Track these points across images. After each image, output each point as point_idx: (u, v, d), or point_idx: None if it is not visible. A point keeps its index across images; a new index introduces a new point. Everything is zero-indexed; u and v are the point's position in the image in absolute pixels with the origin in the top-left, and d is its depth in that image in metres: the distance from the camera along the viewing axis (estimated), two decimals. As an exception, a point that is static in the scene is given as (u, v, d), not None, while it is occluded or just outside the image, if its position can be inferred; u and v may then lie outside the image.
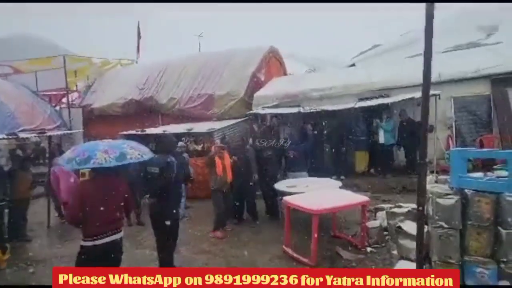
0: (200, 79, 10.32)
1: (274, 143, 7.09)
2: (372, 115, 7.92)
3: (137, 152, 2.89)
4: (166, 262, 3.83)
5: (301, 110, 7.78)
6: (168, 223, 3.75)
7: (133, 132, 8.52)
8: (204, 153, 7.33)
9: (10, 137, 5.93)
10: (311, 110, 7.66)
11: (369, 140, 7.95)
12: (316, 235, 4.02)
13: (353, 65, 14.80)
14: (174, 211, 3.88)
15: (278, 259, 4.37)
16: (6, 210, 5.27)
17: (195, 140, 8.17)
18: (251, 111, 8.46)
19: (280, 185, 5.74)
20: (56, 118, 9.42)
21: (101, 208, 2.74)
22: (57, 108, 10.15)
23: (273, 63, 11.03)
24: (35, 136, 7.50)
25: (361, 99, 7.72)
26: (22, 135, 6.22)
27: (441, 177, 3.26)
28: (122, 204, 2.96)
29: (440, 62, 6.76)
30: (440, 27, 4.74)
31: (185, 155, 6.38)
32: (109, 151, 2.78)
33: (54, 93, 11.02)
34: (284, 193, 5.18)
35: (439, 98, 6.37)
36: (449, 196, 2.74)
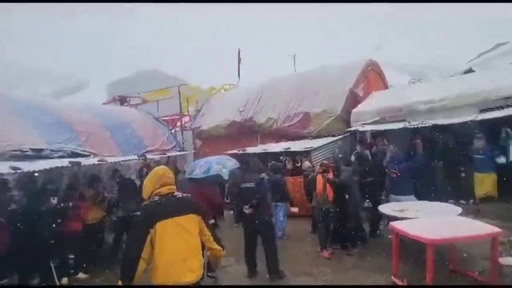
0: (296, 98, 10.51)
1: (376, 162, 6.67)
2: (497, 129, 6.71)
3: (220, 166, 4.02)
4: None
5: (407, 125, 7.13)
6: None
7: (235, 151, 9.14)
8: (302, 172, 7.35)
9: (141, 158, 7.00)
10: (420, 125, 6.94)
11: (494, 158, 6.73)
12: (431, 269, 3.55)
13: (470, 70, 12.92)
14: (267, 218, 4.79)
15: (386, 290, 4.01)
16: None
17: (293, 158, 8.27)
18: (349, 128, 8.16)
19: (385, 208, 5.32)
20: (172, 140, 10.90)
21: None
22: (173, 131, 11.65)
23: (372, 76, 10.49)
24: (159, 156, 8.72)
25: (483, 110, 6.65)
26: (148, 156, 7.26)
27: None
28: None
29: None
30: None
31: (278, 175, 6.53)
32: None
33: (171, 118, 12.72)
34: (391, 218, 4.77)
35: None
36: None
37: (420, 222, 4.23)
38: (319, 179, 5.35)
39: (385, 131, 7.62)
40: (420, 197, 6.14)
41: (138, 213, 5.81)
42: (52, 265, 4.64)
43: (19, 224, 4.30)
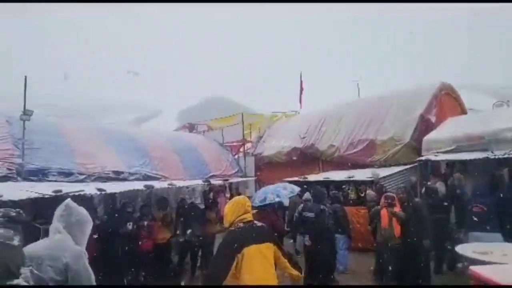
0: (360, 125, 10.14)
1: (450, 195, 6.01)
2: None
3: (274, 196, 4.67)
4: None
5: (491, 155, 6.34)
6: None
7: (296, 178, 9.06)
8: (365, 202, 6.94)
9: (205, 183, 7.35)
10: (507, 155, 6.12)
11: None
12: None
13: None
14: (327, 252, 4.61)
15: None
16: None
17: (356, 187, 7.89)
18: (421, 157, 7.54)
19: (464, 249, 4.69)
20: (235, 165, 11.26)
21: None
22: (236, 157, 12.06)
23: (446, 101, 9.68)
24: (222, 181, 9.05)
25: None
26: (213, 181, 7.58)
27: None
28: None
29: None
30: None
31: (337, 205, 6.22)
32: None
33: (234, 144, 13.22)
34: (472, 261, 4.18)
35: None
36: None
37: (510, 269, 3.63)
38: (384, 213, 4.99)
39: (463, 161, 6.87)
40: (507, 237, 5.31)
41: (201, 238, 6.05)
42: (125, 280, 5.04)
43: (100, 240, 4.78)
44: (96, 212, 6.37)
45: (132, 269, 5.27)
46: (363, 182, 7.72)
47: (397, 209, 4.98)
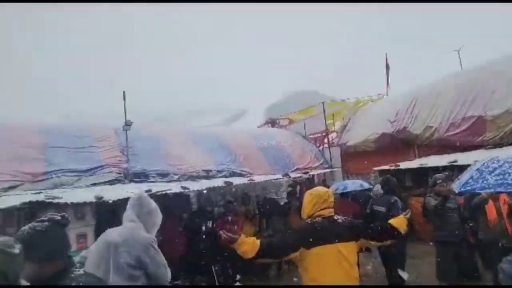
0: (463, 101, 8.70)
1: None
2: None
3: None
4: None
5: None
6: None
7: (386, 167, 8.31)
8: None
9: (284, 177, 7.32)
10: None
11: None
12: None
13: None
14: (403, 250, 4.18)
15: None
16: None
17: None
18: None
19: None
20: (319, 157, 10.96)
21: None
22: (320, 148, 11.72)
23: None
24: (308, 174, 8.89)
25: None
26: (292, 175, 7.50)
27: None
28: None
29: None
30: None
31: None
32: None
33: (317, 135, 12.88)
34: None
35: None
36: None
37: None
38: (491, 205, 4.13)
39: None
40: None
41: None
42: (214, 269, 5.36)
43: (189, 234, 5.21)
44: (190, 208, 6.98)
45: (217, 265, 5.54)
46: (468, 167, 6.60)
47: (502, 199, 4.07)
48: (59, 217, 1.74)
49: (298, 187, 8.28)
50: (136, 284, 1.94)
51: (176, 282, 4.87)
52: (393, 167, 8.15)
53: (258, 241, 2.24)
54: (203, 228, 5.34)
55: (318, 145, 11.91)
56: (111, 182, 6.18)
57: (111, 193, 4.22)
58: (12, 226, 3.87)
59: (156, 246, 2.12)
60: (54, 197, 3.68)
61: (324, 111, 11.72)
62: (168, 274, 2.13)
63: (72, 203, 3.70)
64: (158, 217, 2.31)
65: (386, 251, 4.30)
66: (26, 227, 1.67)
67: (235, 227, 5.26)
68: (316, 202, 2.45)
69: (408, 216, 2.57)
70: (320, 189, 2.61)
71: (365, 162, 9.84)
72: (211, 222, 5.51)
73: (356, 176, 10.42)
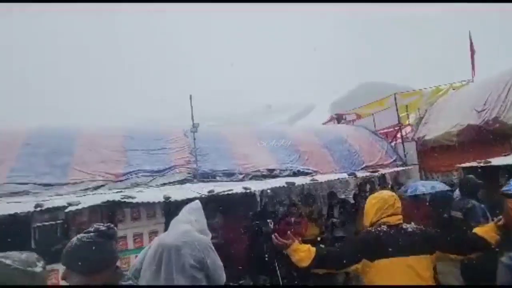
0: None
1: None
2: None
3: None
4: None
5: None
6: None
7: (473, 164, 7.29)
8: None
9: (350, 176, 6.92)
10: None
11: None
12: None
13: None
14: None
15: None
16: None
17: None
18: None
19: None
20: (391, 153, 10.14)
21: None
22: (392, 144, 10.83)
23: None
24: (378, 173, 8.31)
25: None
26: (360, 174, 7.06)
27: None
28: None
29: None
30: None
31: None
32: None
33: (389, 130, 11.95)
34: None
35: None
36: None
37: None
38: None
39: None
40: None
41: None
42: (278, 270, 5.30)
43: (251, 235, 5.24)
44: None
45: (282, 266, 5.45)
46: None
47: None
48: (104, 228, 1.74)
49: (367, 187, 7.75)
50: (199, 286, 1.97)
51: (241, 282, 4.95)
52: (481, 164, 7.11)
53: (313, 249, 2.08)
54: (266, 229, 5.33)
55: (390, 140, 11.04)
56: (181, 182, 6.55)
57: (178, 193, 4.46)
58: (96, 222, 4.38)
59: (212, 247, 2.15)
60: (129, 197, 4.04)
61: (396, 103, 10.80)
62: (224, 275, 2.14)
63: (143, 202, 4.03)
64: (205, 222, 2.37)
65: (471, 266, 3.69)
66: (75, 238, 1.69)
67: (298, 228, 5.13)
68: (380, 208, 2.18)
69: (500, 223, 2.14)
70: (385, 192, 2.34)
71: (446, 159, 8.80)
72: (273, 223, 5.47)
73: (435, 174, 9.39)
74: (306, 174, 7.87)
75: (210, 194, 4.37)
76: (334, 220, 6.03)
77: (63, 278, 1.70)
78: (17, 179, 5.68)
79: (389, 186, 8.36)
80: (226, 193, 4.52)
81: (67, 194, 5.57)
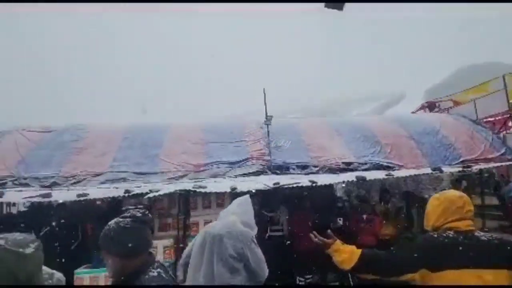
0: None
1: None
2: None
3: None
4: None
5: None
6: None
7: None
8: None
9: (434, 171, 6.12)
10: None
11: None
12: None
13: None
14: None
15: None
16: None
17: None
18: None
19: None
20: (498, 146, 8.60)
21: None
22: (501, 134, 9.18)
23: None
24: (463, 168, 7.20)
25: None
26: (448, 169, 6.20)
27: None
28: None
29: None
30: None
31: None
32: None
33: (497, 118, 10.16)
34: None
35: None
36: None
37: None
38: None
39: None
40: None
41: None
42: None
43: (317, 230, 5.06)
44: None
45: None
46: None
47: None
48: (140, 214, 1.78)
49: (463, 184, 6.73)
50: (238, 277, 1.98)
51: (308, 277, 4.85)
52: None
53: (358, 251, 1.86)
54: (335, 225, 5.08)
55: (497, 130, 9.38)
56: (256, 174, 6.70)
57: (245, 184, 4.58)
58: (173, 208, 4.84)
59: (255, 241, 2.13)
60: (200, 186, 4.31)
61: (505, 86, 9.09)
62: (266, 269, 2.11)
63: (211, 192, 4.26)
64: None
65: None
66: (112, 222, 1.77)
67: (370, 226, 4.75)
68: (445, 210, 1.87)
69: None
70: (452, 192, 2.00)
71: None
72: (341, 219, 5.18)
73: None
74: (389, 168, 7.25)
75: (276, 186, 4.36)
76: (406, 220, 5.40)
77: (103, 259, 1.82)
78: (117, 168, 6.59)
79: (495, 184, 7.11)
80: (291, 185, 4.45)
81: (156, 182, 6.24)
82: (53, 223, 4.99)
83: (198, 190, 4.26)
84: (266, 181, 4.92)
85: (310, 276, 4.92)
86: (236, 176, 6.50)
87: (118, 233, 1.72)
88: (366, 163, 7.31)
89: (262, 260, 2.09)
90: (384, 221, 5.36)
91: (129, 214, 1.79)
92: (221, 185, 4.69)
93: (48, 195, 4.55)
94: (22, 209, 7.38)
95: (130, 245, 1.69)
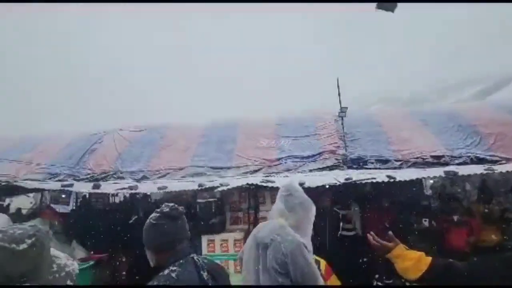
0: None
1: None
2: None
3: None
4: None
5: None
6: None
7: None
8: None
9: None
10: None
11: None
12: None
13: None
14: None
15: None
16: None
17: None
18: None
19: None
20: None
21: None
22: None
23: None
24: None
25: None
26: None
27: None
28: None
29: None
30: None
31: None
32: None
33: None
34: None
35: None
36: None
37: None
38: None
39: None
40: None
41: None
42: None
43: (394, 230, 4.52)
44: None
45: None
46: None
47: None
48: (167, 209, 1.78)
49: None
50: None
51: (388, 282, 4.38)
52: None
53: (427, 259, 1.52)
54: (419, 226, 4.46)
55: None
56: (331, 168, 6.40)
57: (313, 180, 4.35)
58: (245, 202, 4.89)
59: (305, 251, 1.85)
60: (267, 181, 4.26)
61: None
62: (315, 283, 1.81)
63: (277, 187, 4.14)
64: (312, 211, 2.04)
65: None
66: (152, 215, 1.82)
67: (464, 230, 4.00)
68: None
69: None
70: None
71: None
72: (427, 220, 4.50)
73: None
74: (492, 162, 6.15)
75: (347, 181, 4.03)
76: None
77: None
78: (197, 163, 7.01)
79: None
80: (365, 181, 4.06)
81: (232, 177, 6.45)
82: (141, 213, 5.56)
83: (265, 184, 4.23)
84: (338, 176, 4.62)
85: (391, 280, 4.42)
86: (311, 171, 6.31)
87: (146, 228, 1.80)
88: (461, 156, 6.32)
89: (309, 273, 1.81)
90: (484, 225, 4.48)
91: (159, 210, 1.82)
92: (290, 180, 4.56)
93: (134, 187, 5.08)
94: (121, 200, 8.46)
95: (155, 240, 1.76)
